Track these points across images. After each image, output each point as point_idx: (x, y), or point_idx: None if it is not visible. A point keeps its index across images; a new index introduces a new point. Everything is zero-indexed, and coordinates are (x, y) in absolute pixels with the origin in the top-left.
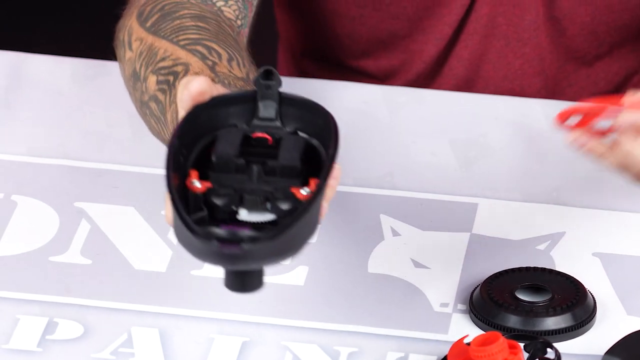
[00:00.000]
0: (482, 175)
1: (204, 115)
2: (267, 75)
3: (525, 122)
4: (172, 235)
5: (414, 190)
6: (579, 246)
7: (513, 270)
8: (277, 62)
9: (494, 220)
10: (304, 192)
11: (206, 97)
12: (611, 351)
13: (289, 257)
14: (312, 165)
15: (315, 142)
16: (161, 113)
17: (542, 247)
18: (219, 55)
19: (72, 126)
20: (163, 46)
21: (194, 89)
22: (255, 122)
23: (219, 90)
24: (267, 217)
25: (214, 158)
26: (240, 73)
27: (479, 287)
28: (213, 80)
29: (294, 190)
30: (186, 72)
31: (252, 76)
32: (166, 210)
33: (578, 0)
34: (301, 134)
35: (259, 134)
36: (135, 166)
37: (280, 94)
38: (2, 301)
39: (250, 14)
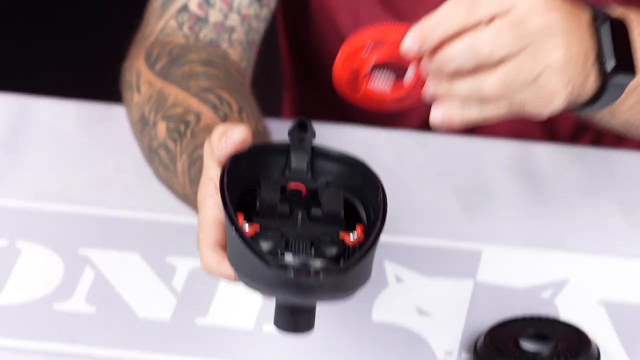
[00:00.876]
0: (486, 220)
1: (242, 165)
2: (301, 126)
3: (528, 166)
4: (176, 282)
5: (418, 236)
6: (584, 294)
7: (517, 319)
8: (281, 103)
9: (498, 267)
10: (352, 237)
11: (246, 145)
12: None
13: (351, 296)
14: (347, 217)
15: (348, 194)
16: (171, 161)
17: (546, 294)
18: (230, 106)
19: (76, 170)
20: (173, 92)
21: (237, 137)
22: (287, 173)
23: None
24: (313, 262)
25: (258, 204)
26: (250, 125)
27: (483, 336)
28: None
29: (343, 234)
30: (198, 121)
31: (260, 127)
32: (202, 256)
33: None
34: (333, 186)
35: (294, 184)
36: (140, 211)
37: (313, 147)
38: (6, 350)
39: (254, 55)
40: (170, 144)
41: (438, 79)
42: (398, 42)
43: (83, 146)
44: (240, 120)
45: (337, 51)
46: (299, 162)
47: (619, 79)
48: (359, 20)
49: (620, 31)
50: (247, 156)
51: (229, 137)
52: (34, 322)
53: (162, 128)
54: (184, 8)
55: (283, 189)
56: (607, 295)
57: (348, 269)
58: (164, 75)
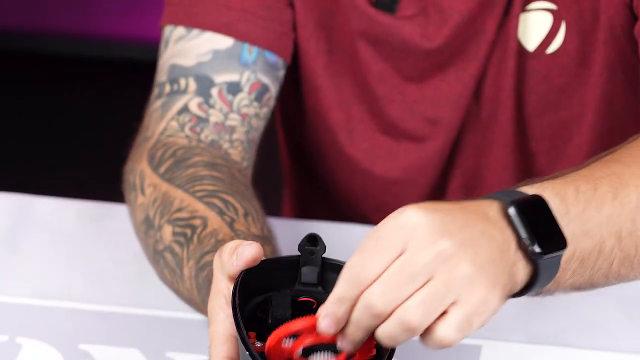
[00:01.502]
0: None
1: (252, 280)
2: (311, 241)
3: None
4: None
5: None
6: None
7: None
8: (281, 201)
9: None
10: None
11: (257, 262)
12: None
13: None
14: None
15: None
16: (177, 265)
17: None
18: (236, 210)
19: (77, 268)
20: (179, 196)
21: (248, 255)
22: (298, 286)
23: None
24: None
25: (270, 320)
26: (256, 230)
27: None
28: (233, 239)
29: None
30: (204, 226)
31: (265, 230)
32: None
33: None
34: None
35: (304, 298)
36: (140, 308)
37: (323, 259)
38: None
39: (254, 153)
40: (177, 248)
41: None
42: (313, 326)
43: (83, 244)
44: (247, 225)
45: (330, 150)
46: (309, 275)
47: (550, 258)
48: (351, 119)
49: (537, 209)
50: (258, 270)
51: (240, 254)
52: None
53: (167, 232)
54: (185, 109)
55: (294, 302)
56: None
57: None
58: (169, 178)
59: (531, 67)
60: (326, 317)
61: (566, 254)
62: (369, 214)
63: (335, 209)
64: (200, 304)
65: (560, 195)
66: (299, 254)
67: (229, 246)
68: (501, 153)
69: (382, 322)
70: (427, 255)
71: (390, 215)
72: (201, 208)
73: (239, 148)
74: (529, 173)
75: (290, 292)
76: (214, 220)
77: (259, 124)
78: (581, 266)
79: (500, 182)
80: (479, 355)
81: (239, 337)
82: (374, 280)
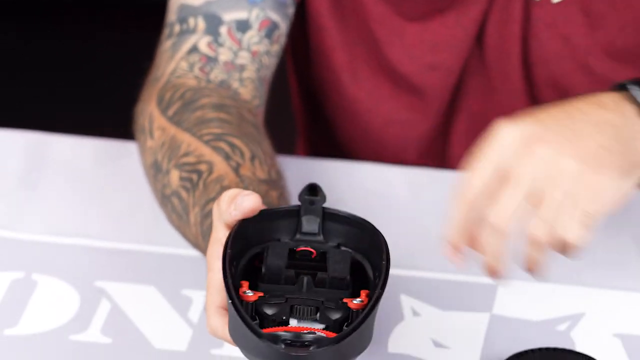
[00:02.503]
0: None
1: (251, 229)
2: (312, 191)
3: None
4: (192, 314)
5: (434, 271)
6: (600, 327)
7: (533, 350)
8: (295, 140)
9: (514, 301)
10: (356, 302)
11: (255, 213)
12: None
13: None
14: (357, 279)
15: (359, 256)
16: (183, 211)
17: (562, 327)
18: (242, 154)
19: (93, 206)
20: (186, 140)
21: (246, 205)
22: (299, 236)
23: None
24: (317, 326)
25: (263, 269)
26: (262, 173)
27: None
28: (238, 185)
29: (346, 300)
30: (210, 172)
31: (273, 173)
32: (208, 319)
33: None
34: (343, 248)
35: (303, 248)
36: (156, 245)
37: (324, 209)
38: None
39: (266, 92)
40: (183, 194)
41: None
42: None
43: (99, 182)
44: (254, 169)
45: (334, 91)
46: (310, 225)
47: None
48: (354, 59)
49: None
50: (256, 220)
51: (238, 205)
52: (50, 353)
53: (175, 176)
54: (194, 49)
55: (292, 252)
56: (622, 328)
57: (340, 340)
58: (177, 121)
59: (536, 16)
60: (452, 241)
61: None
62: (372, 155)
63: (342, 151)
64: (205, 250)
65: None
66: (299, 203)
67: (227, 195)
68: (508, 98)
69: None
70: (527, 163)
71: (489, 135)
72: (207, 152)
73: (249, 87)
74: None
75: (289, 242)
76: (220, 166)
77: (271, 62)
78: None
79: None
80: (495, 293)
81: (225, 287)
82: (485, 197)
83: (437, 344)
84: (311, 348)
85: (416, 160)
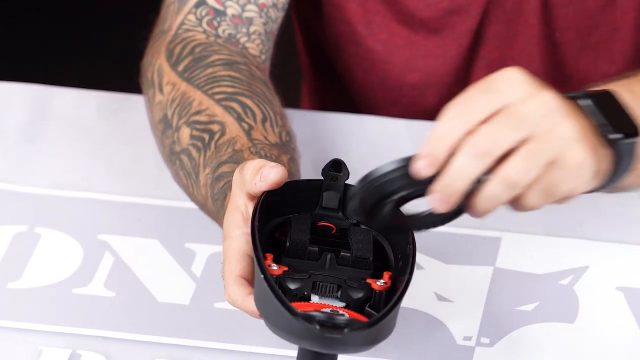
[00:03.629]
0: (505, 209)
1: (274, 201)
2: (335, 166)
3: None
4: (195, 268)
5: None
6: (603, 280)
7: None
8: (300, 93)
9: (517, 254)
10: (380, 283)
11: (280, 185)
12: None
13: (374, 346)
14: (376, 258)
15: (379, 235)
16: (192, 169)
17: (565, 281)
18: (254, 115)
19: (96, 159)
20: (197, 98)
21: (272, 178)
22: (319, 210)
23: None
24: (338, 304)
25: (288, 243)
26: (274, 136)
27: None
28: (250, 149)
29: (370, 281)
30: (222, 133)
31: (284, 135)
32: (227, 289)
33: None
34: (363, 226)
35: (324, 223)
36: (159, 199)
37: (346, 186)
38: (25, 333)
39: (272, 45)
40: (194, 152)
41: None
42: None
43: (103, 135)
44: (265, 133)
45: (349, 43)
46: (330, 200)
47: (627, 144)
48: (368, 10)
49: (610, 100)
50: (280, 192)
51: (264, 177)
52: (53, 306)
53: (185, 134)
54: (202, 2)
55: (313, 227)
56: (625, 281)
57: (374, 324)
58: (187, 77)
59: None
60: (424, 157)
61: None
62: (387, 107)
63: (353, 105)
64: (214, 213)
65: (631, 90)
66: (322, 178)
67: (253, 165)
68: (527, 44)
69: (480, 175)
70: (532, 104)
71: (495, 72)
72: (219, 112)
73: (256, 41)
74: (556, 64)
75: (310, 216)
76: (232, 127)
77: (277, 15)
78: None
79: None
80: (499, 247)
81: (255, 261)
82: (478, 123)
83: (441, 298)
84: (345, 330)
85: (436, 107)
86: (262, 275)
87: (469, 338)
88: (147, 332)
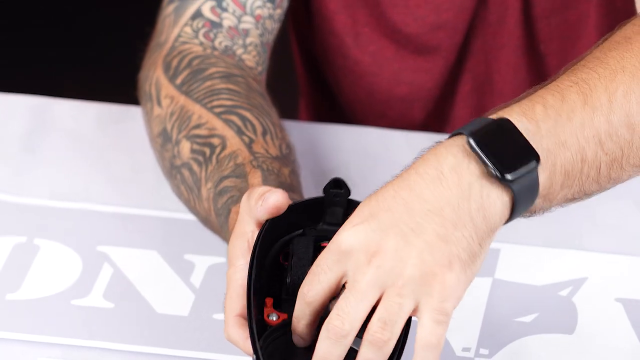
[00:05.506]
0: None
1: (276, 226)
2: (336, 184)
3: None
4: (194, 279)
5: None
6: (602, 292)
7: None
8: (298, 104)
9: (516, 266)
10: None
11: (281, 210)
12: None
13: None
14: None
15: None
16: (194, 184)
17: (564, 292)
18: (254, 129)
19: (95, 170)
20: (197, 111)
21: (272, 203)
22: (322, 226)
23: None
24: None
25: (288, 280)
26: (274, 149)
27: None
28: (252, 162)
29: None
30: (223, 147)
31: (284, 148)
32: (227, 326)
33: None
34: None
35: (327, 243)
36: (159, 210)
37: (348, 201)
38: (24, 344)
39: (268, 57)
40: (195, 167)
41: None
42: None
43: (102, 146)
44: (266, 146)
45: (337, 55)
46: (334, 215)
47: (523, 178)
48: (356, 22)
49: (502, 133)
50: (282, 216)
51: (265, 201)
52: (52, 318)
53: (185, 148)
54: (198, 13)
55: (316, 248)
56: (624, 293)
57: None
58: (186, 91)
59: None
60: (294, 333)
61: (547, 170)
62: (374, 120)
63: (345, 114)
64: (217, 227)
65: (528, 114)
66: (323, 195)
67: (258, 192)
68: (511, 56)
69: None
70: (369, 274)
71: (331, 240)
72: (220, 126)
73: (252, 53)
74: (540, 74)
75: (313, 232)
76: (233, 141)
77: (273, 27)
78: (568, 178)
79: (511, 85)
80: (497, 258)
81: (249, 335)
82: (325, 300)
83: None
84: None
85: (422, 120)
86: (254, 357)
87: (467, 349)
88: (146, 343)
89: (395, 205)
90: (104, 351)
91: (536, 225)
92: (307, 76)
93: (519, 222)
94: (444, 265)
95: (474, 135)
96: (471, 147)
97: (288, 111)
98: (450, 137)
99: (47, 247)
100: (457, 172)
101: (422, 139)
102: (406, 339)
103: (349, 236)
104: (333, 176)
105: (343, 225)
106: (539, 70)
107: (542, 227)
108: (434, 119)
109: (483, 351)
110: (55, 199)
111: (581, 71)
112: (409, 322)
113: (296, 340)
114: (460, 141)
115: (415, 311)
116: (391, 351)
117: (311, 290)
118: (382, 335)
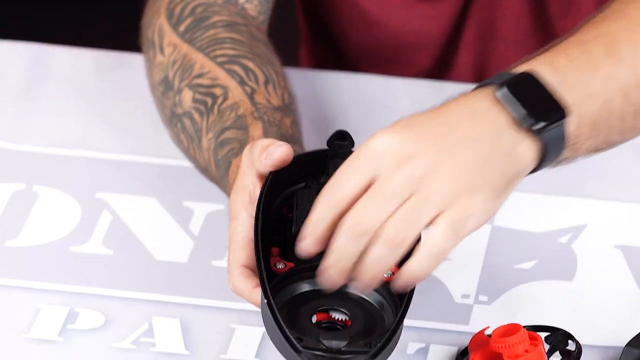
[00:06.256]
0: None
1: (280, 178)
2: (340, 136)
3: None
4: (193, 226)
5: None
6: (601, 239)
7: None
8: (298, 54)
9: (516, 213)
10: (386, 274)
11: (286, 163)
12: (632, 343)
13: None
14: None
15: None
16: (195, 133)
17: (563, 239)
18: (256, 78)
19: (94, 117)
20: (199, 60)
21: (277, 156)
22: (325, 179)
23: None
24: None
25: (293, 230)
26: (276, 99)
27: None
28: (253, 114)
29: None
30: (225, 97)
31: (286, 97)
32: (232, 278)
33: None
34: None
35: None
36: (158, 157)
37: (352, 152)
38: (23, 291)
39: (271, 7)
40: (196, 116)
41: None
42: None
43: (100, 94)
44: (268, 96)
45: (344, 5)
46: (338, 167)
47: (553, 129)
48: None
49: (530, 85)
50: (286, 169)
51: (270, 154)
52: (51, 264)
53: (187, 97)
54: None
55: None
56: (624, 240)
57: (377, 354)
58: (189, 39)
59: None
60: (306, 238)
61: (574, 121)
62: (384, 63)
63: (349, 65)
64: (217, 179)
65: (553, 66)
66: (327, 148)
67: (260, 144)
68: (515, 3)
69: (366, 247)
70: (398, 178)
71: (363, 142)
72: (222, 75)
73: (254, 2)
74: (544, 22)
75: (317, 185)
76: (235, 91)
77: None
78: (594, 129)
79: (515, 32)
80: None
81: (260, 283)
82: (350, 202)
83: None
84: None
85: (427, 68)
86: (266, 301)
87: (467, 296)
88: (145, 290)
89: (433, 124)
90: (103, 298)
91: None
92: (309, 25)
93: None
94: (475, 186)
95: (502, 85)
96: (502, 96)
97: (288, 58)
98: (476, 88)
99: (46, 194)
100: (489, 115)
101: (423, 87)
102: (411, 298)
103: (383, 140)
104: (333, 124)
105: (376, 132)
106: (542, 17)
107: (542, 174)
108: (439, 66)
109: (482, 298)
110: (54, 146)
111: (602, 23)
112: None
113: (304, 249)
114: (489, 91)
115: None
116: (401, 255)
117: (338, 191)
118: (398, 234)
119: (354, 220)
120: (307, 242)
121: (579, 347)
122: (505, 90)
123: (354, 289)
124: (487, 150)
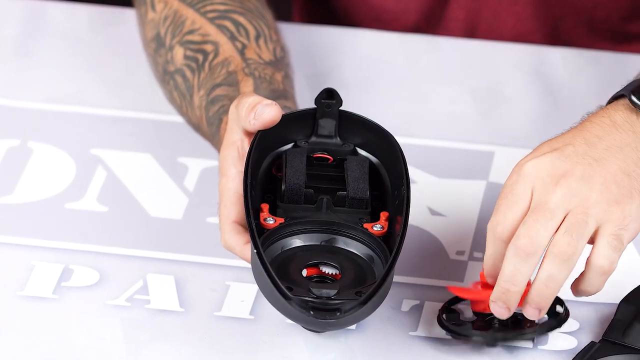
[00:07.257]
0: (498, 123)
1: (268, 137)
2: (328, 95)
3: (542, 70)
4: (188, 182)
5: (430, 138)
6: None
7: None
8: (290, 7)
9: (510, 168)
10: (376, 228)
11: (275, 124)
12: (627, 299)
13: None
14: (375, 183)
15: (375, 160)
16: (187, 90)
17: None
18: (247, 33)
19: (88, 73)
20: (190, 16)
21: (266, 118)
22: (314, 139)
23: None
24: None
25: (283, 187)
26: (268, 53)
27: None
28: (244, 70)
29: (366, 226)
30: (216, 53)
31: (278, 52)
32: (223, 234)
33: None
34: (360, 150)
35: (320, 155)
36: (152, 113)
37: (340, 111)
38: (18, 248)
39: None
40: (188, 73)
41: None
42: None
43: (95, 49)
44: (259, 51)
45: None
46: (326, 127)
47: None
48: None
49: None
50: (274, 128)
51: (258, 115)
52: (46, 221)
53: (179, 53)
54: None
55: (309, 160)
56: None
57: (366, 301)
58: None
59: None
60: (498, 299)
61: None
62: (372, 19)
63: (339, 18)
64: (209, 135)
65: None
66: (315, 106)
67: (248, 102)
68: None
69: (534, 266)
70: (556, 196)
71: (512, 171)
72: (213, 31)
73: None
74: None
75: (306, 147)
76: (226, 47)
77: None
78: None
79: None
80: (492, 160)
81: (249, 233)
82: (510, 228)
83: (433, 212)
84: (338, 314)
85: (416, 23)
86: (255, 251)
87: (461, 252)
88: (139, 246)
89: (576, 142)
90: (98, 255)
91: (530, 127)
92: None
93: (515, 124)
94: (626, 195)
95: (633, 94)
96: (636, 104)
97: (281, 13)
98: (610, 101)
99: (41, 150)
100: (630, 124)
101: (416, 41)
102: (401, 247)
103: (535, 164)
104: (327, 79)
105: (523, 158)
106: None
107: (537, 129)
108: (428, 21)
109: (477, 254)
110: (49, 102)
111: None
112: None
113: (500, 309)
114: (624, 101)
115: (592, 238)
116: (571, 269)
117: (505, 229)
118: (568, 248)
119: (523, 241)
120: (500, 308)
121: (566, 310)
122: (636, 97)
123: (530, 316)
124: (634, 156)
